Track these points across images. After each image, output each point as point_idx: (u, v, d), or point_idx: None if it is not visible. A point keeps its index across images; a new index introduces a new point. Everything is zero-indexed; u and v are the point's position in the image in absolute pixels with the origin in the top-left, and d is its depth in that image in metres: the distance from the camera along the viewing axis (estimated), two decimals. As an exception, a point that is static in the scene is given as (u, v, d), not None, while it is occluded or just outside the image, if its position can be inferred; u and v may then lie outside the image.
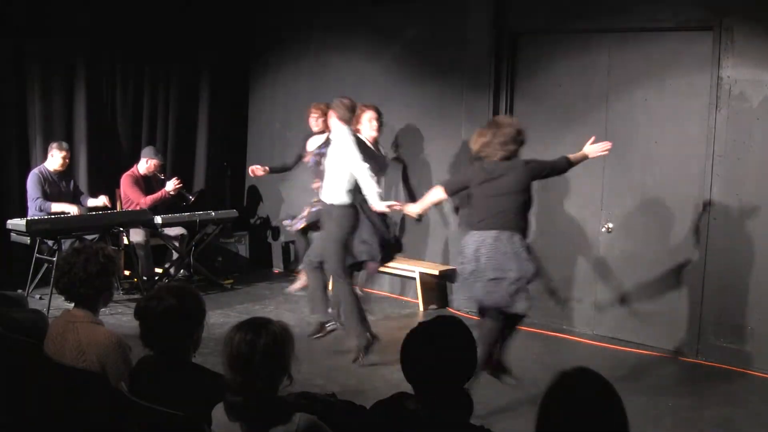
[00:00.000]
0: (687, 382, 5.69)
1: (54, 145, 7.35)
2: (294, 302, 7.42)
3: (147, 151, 7.89)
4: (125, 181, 7.71)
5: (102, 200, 7.57)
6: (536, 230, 6.97)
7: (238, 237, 8.72)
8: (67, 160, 7.37)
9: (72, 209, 7.27)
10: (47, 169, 7.33)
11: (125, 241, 7.46)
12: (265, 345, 2.51)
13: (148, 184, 7.81)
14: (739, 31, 5.75)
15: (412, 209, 5.45)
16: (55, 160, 7.30)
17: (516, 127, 4.86)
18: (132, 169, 7.78)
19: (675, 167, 6.23)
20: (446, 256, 7.56)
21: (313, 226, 7.00)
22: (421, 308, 7.37)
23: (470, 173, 4.95)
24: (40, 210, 7.17)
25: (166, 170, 8.21)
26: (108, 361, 3.14)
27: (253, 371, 2.49)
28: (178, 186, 7.82)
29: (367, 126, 6.42)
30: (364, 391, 5.01)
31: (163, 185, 7.81)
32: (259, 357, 2.49)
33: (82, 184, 7.91)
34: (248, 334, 2.52)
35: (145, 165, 7.78)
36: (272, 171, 7.67)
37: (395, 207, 5.74)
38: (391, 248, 6.33)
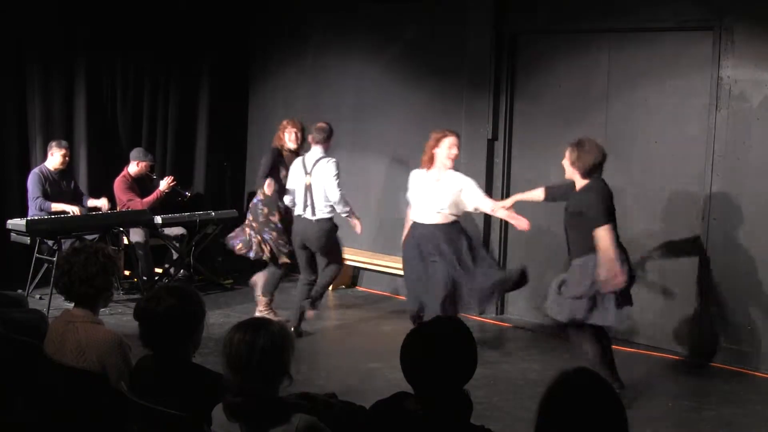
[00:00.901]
0: (687, 382, 5.69)
1: (53, 143, 7.35)
2: (294, 302, 7.41)
3: (135, 153, 7.80)
4: (118, 186, 7.64)
5: (103, 201, 7.55)
6: (537, 230, 6.97)
7: (238, 237, 8.71)
8: (66, 158, 7.36)
9: (72, 209, 7.26)
10: (48, 169, 7.33)
11: (125, 241, 7.46)
12: (265, 345, 2.50)
13: (141, 184, 7.78)
14: (739, 31, 5.75)
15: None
16: (54, 158, 7.31)
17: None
18: (123, 173, 7.71)
19: (675, 167, 6.23)
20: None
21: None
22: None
23: (604, 193, 4.91)
24: (41, 210, 7.17)
25: (164, 170, 8.20)
26: (108, 361, 3.14)
27: (252, 372, 2.49)
28: (171, 184, 7.82)
29: (445, 153, 5.73)
30: (364, 391, 5.00)
31: (157, 185, 7.81)
32: (258, 357, 2.49)
33: (82, 183, 7.91)
34: (247, 335, 2.52)
35: (136, 167, 7.75)
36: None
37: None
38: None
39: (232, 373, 2.52)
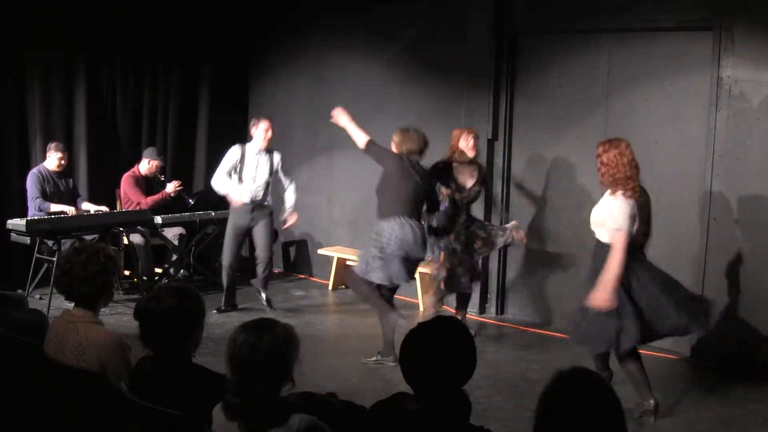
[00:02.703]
0: (687, 382, 5.70)
1: (52, 145, 7.36)
2: (294, 302, 7.42)
3: (149, 151, 7.91)
4: (126, 180, 7.72)
5: (102, 209, 7.51)
6: (538, 231, 6.98)
7: (238, 237, 8.70)
8: (63, 162, 7.37)
9: (71, 209, 7.27)
10: (46, 169, 7.34)
11: (125, 241, 7.47)
12: (269, 348, 2.49)
13: (148, 184, 7.83)
14: (739, 31, 5.75)
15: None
16: (51, 161, 7.32)
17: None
18: (133, 169, 7.80)
19: (675, 167, 6.23)
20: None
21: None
22: (421, 308, 7.37)
23: (395, 162, 5.74)
24: (40, 210, 7.18)
25: (166, 172, 8.21)
26: (108, 361, 3.14)
27: (254, 373, 2.49)
28: (178, 188, 7.84)
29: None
30: (364, 391, 5.01)
31: (163, 187, 7.82)
32: (262, 360, 2.48)
33: (82, 184, 7.91)
34: (252, 336, 2.51)
35: (147, 165, 7.81)
36: None
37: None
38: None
39: (234, 373, 2.52)
